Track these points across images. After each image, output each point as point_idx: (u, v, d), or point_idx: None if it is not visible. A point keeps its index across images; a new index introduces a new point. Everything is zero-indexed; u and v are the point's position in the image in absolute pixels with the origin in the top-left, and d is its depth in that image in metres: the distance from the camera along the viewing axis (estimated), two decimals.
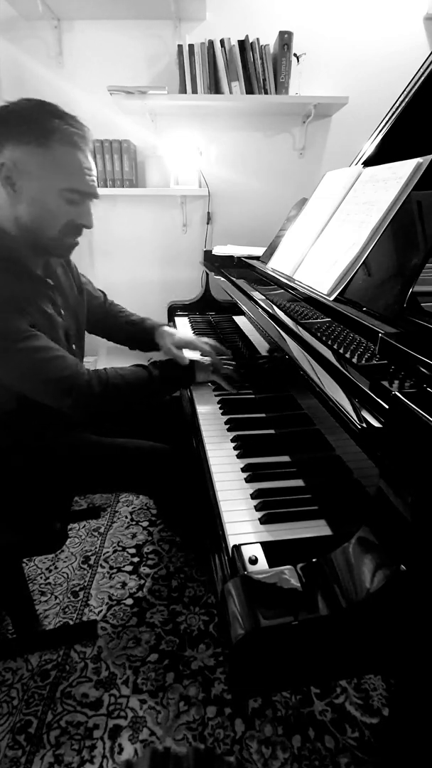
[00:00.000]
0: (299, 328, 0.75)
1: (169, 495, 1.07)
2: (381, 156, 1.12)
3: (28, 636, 1.09)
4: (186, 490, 1.02)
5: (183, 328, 1.54)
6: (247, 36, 1.66)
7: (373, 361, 0.56)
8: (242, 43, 1.66)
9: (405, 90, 1.10)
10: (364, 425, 0.46)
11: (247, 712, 0.96)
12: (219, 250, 1.66)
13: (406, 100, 1.08)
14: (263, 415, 0.91)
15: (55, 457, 0.96)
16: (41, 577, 1.31)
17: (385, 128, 1.13)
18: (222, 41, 1.66)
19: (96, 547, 1.43)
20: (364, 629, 0.43)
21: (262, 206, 2.06)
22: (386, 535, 0.42)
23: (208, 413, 0.94)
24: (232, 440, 0.83)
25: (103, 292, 1.21)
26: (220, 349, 1.09)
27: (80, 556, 1.39)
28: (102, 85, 1.73)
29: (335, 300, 0.79)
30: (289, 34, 1.66)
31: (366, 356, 0.59)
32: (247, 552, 0.54)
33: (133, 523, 1.54)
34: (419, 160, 0.77)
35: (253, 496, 0.66)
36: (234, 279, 1.27)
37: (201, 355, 1.05)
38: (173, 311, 1.71)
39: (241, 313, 1.04)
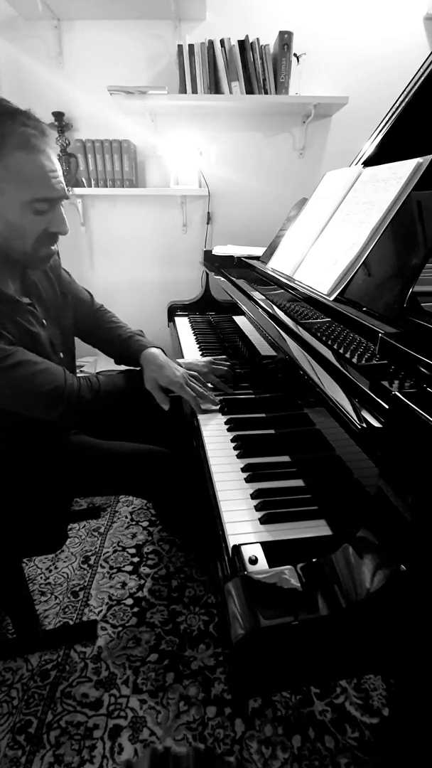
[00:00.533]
0: (299, 328, 0.75)
1: (168, 498, 1.06)
2: (381, 156, 1.12)
3: (28, 636, 1.09)
4: (185, 492, 1.02)
5: (183, 328, 1.54)
6: (247, 36, 1.66)
7: (373, 361, 0.56)
8: (242, 43, 1.66)
9: (405, 90, 1.10)
10: (364, 425, 0.46)
11: (247, 712, 0.96)
12: (219, 250, 1.66)
13: (406, 100, 1.08)
14: (263, 415, 0.91)
15: (55, 459, 0.96)
16: (41, 577, 1.31)
17: (385, 128, 1.13)
18: (222, 41, 1.66)
19: (96, 547, 1.43)
20: (364, 629, 0.43)
21: (262, 206, 2.06)
22: (386, 535, 0.42)
23: (207, 413, 0.93)
24: (232, 440, 0.83)
25: (89, 293, 1.14)
26: (218, 371, 1.02)
27: (80, 556, 1.39)
28: (102, 85, 1.73)
29: (335, 300, 0.79)
30: (289, 34, 1.66)
31: (366, 356, 0.59)
32: (247, 552, 0.54)
33: (133, 523, 1.54)
34: (419, 160, 0.77)
35: (253, 496, 0.66)
36: (234, 279, 1.27)
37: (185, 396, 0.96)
38: (173, 311, 1.71)
39: (241, 313, 1.04)
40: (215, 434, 0.85)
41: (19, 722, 0.94)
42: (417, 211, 0.72)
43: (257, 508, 0.64)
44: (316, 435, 0.63)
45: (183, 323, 1.60)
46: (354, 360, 0.58)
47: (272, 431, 0.85)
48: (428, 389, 0.44)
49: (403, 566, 0.39)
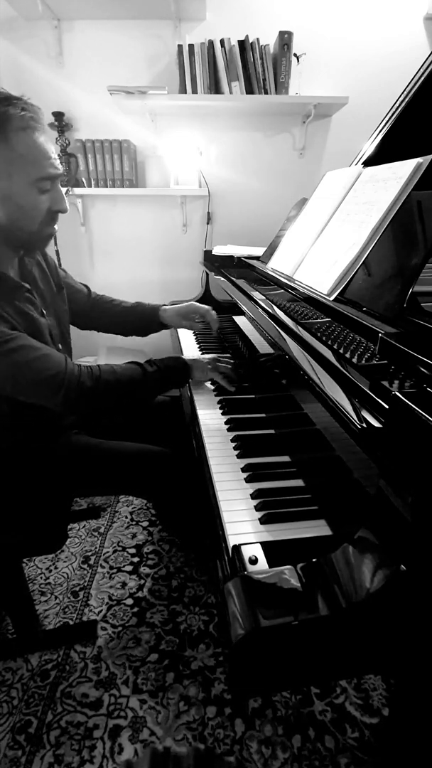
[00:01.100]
0: (299, 328, 0.75)
1: (168, 498, 1.07)
2: (381, 156, 1.12)
3: (28, 636, 1.09)
4: (185, 493, 1.02)
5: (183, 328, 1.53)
6: (247, 36, 1.66)
7: (373, 361, 0.56)
8: (242, 43, 1.66)
9: (405, 90, 1.10)
10: (364, 425, 0.46)
11: (247, 712, 0.96)
12: (219, 250, 1.66)
13: (406, 100, 1.08)
14: (263, 415, 0.91)
15: (55, 459, 0.96)
16: (41, 577, 1.31)
17: (385, 128, 1.13)
18: (222, 41, 1.66)
19: (96, 547, 1.43)
20: (364, 629, 0.43)
21: (262, 206, 2.06)
22: (386, 535, 0.42)
23: (208, 413, 0.93)
24: (232, 440, 0.83)
25: (86, 286, 1.18)
26: (221, 368, 1.04)
27: (80, 556, 1.39)
28: (102, 85, 1.73)
29: (335, 300, 0.79)
30: (289, 34, 1.66)
31: (366, 356, 0.59)
32: (247, 552, 0.54)
33: (133, 523, 1.54)
34: (419, 160, 0.77)
35: (253, 496, 0.66)
36: (234, 279, 1.27)
37: (197, 321, 1.07)
38: None
39: (241, 313, 1.04)
40: (215, 434, 0.85)
41: (19, 722, 0.94)
42: (417, 211, 0.72)
43: (257, 508, 0.64)
44: (316, 435, 0.63)
45: None
46: (354, 360, 0.58)
47: (272, 431, 0.85)
48: (428, 389, 0.44)
49: (403, 566, 0.39)
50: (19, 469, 0.94)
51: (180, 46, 1.66)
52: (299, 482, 0.70)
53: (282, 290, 1.01)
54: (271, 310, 0.88)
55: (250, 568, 0.52)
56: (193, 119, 1.93)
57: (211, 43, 1.66)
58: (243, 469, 0.73)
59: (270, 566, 0.51)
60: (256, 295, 1.03)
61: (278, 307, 0.90)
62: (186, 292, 2.02)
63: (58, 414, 0.89)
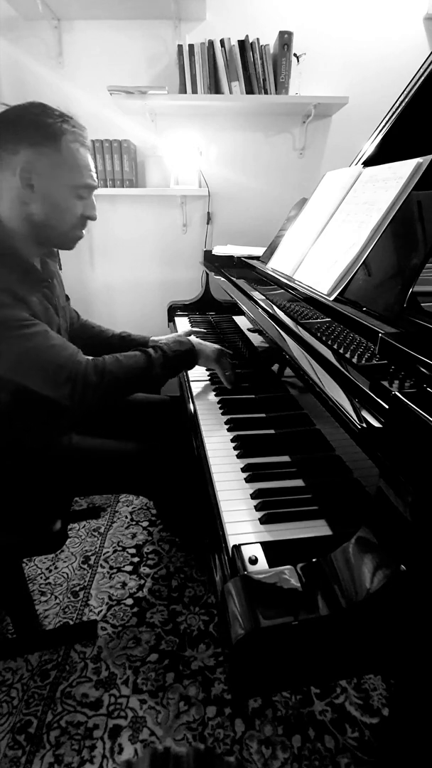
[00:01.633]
0: (299, 328, 0.75)
1: (169, 496, 1.07)
2: (381, 156, 1.12)
3: (28, 636, 1.09)
4: (185, 491, 1.02)
5: (183, 328, 1.54)
6: (247, 36, 1.66)
7: (373, 361, 0.56)
8: (242, 43, 1.66)
9: (405, 90, 1.10)
10: (364, 425, 0.46)
11: (247, 712, 0.96)
12: (219, 250, 1.66)
13: (406, 100, 1.08)
14: (263, 415, 0.91)
15: (55, 457, 0.96)
16: (41, 577, 1.31)
17: (385, 128, 1.13)
18: (222, 41, 1.66)
19: (96, 547, 1.43)
20: (364, 629, 0.43)
21: (262, 206, 2.06)
22: (386, 535, 0.42)
23: (208, 413, 0.93)
24: (232, 440, 0.83)
25: (76, 312, 1.25)
26: (224, 365, 1.05)
27: (80, 556, 1.39)
28: (102, 85, 1.73)
29: (335, 300, 0.79)
30: (289, 34, 1.66)
31: (366, 356, 0.59)
32: (247, 552, 0.54)
33: (133, 523, 1.54)
34: (419, 160, 0.77)
35: (253, 496, 0.66)
36: (234, 279, 1.27)
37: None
38: (173, 311, 1.71)
39: (241, 313, 1.04)
40: (215, 434, 0.85)
41: (19, 722, 0.94)
42: (417, 211, 0.72)
43: (257, 508, 0.64)
44: (316, 435, 0.63)
45: (183, 323, 1.60)
46: (354, 360, 0.58)
47: (272, 431, 0.85)
48: (428, 389, 0.44)
49: (403, 566, 0.39)
50: (19, 468, 0.93)
51: (180, 46, 1.67)
52: (299, 482, 0.70)
53: (282, 290, 1.01)
54: (271, 310, 0.88)
55: (250, 568, 0.52)
56: (193, 119, 1.93)
57: (211, 43, 1.66)
58: (243, 469, 0.73)
59: (270, 566, 0.51)
60: (256, 295, 1.03)
61: (278, 307, 0.90)
62: (186, 292, 2.03)
63: (60, 412, 0.89)
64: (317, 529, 0.60)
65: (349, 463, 0.55)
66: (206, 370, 1.14)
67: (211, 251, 1.67)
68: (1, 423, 0.91)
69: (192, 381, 1.10)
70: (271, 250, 1.31)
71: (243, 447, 0.80)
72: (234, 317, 1.23)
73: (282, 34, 1.66)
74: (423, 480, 0.38)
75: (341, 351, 0.62)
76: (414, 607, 0.42)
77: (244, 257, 1.52)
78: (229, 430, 0.86)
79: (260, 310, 0.92)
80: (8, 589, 1.02)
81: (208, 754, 0.88)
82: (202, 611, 1.19)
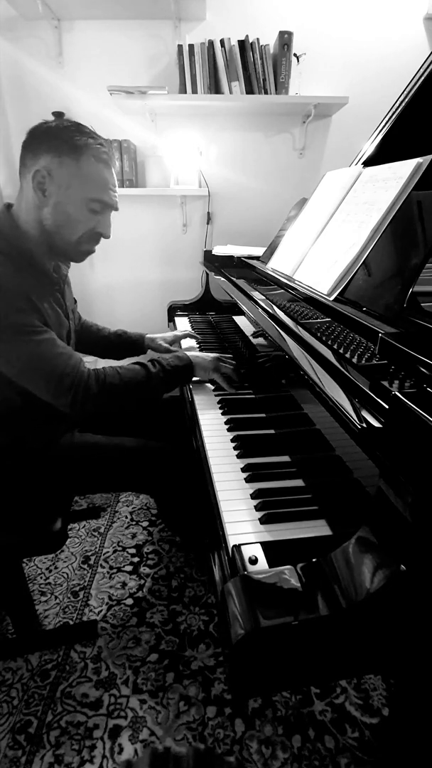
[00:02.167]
0: (299, 328, 0.75)
1: (170, 494, 1.07)
2: (381, 156, 1.12)
3: (28, 636, 1.09)
4: (186, 489, 1.02)
5: (183, 328, 1.54)
6: (247, 36, 1.66)
7: (373, 361, 0.56)
8: (242, 43, 1.66)
9: (405, 90, 1.10)
10: (364, 425, 0.46)
11: (247, 712, 0.96)
12: (219, 250, 1.66)
13: (406, 100, 1.08)
14: (263, 415, 0.91)
15: (55, 456, 0.96)
16: (41, 577, 1.31)
17: (385, 128, 1.13)
18: (222, 41, 1.66)
19: (96, 547, 1.43)
20: (364, 629, 0.43)
21: (262, 206, 2.06)
22: (386, 535, 0.42)
23: (208, 413, 0.93)
24: (232, 440, 0.83)
25: (79, 313, 1.26)
26: (223, 368, 1.04)
27: (80, 556, 1.39)
28: (102, 85, 1.73)
29: (335, 300, 0.79)
30: (289, 34, 1.66)
31: (366, 356, 0.59)
32: (247, 552, 0.54)
33: (133, 523, 1.54)
34: (419, 160, 0.77)
35: (253, 496, 0.66)
36: (234, 279, 1.27)
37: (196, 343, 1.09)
38: (173, 311, 1.71)
39: (241, 313, 1.04)
40: (215, 434, 0.85)
41: (19, 722, 0.94)
42: (417, 211, 0.72)
43: (257, 508, 0.64)
44: (316, 435, 0.63)
45: (183, 323, 1.60)
46: (354, 360, 0.58)
47: (272, 431, 0.85)
48: (428, 389, 0.44)
49: (403, 566, 0.39)
50: (19, 467, 0.94)
51: (180, 46, 1.66)
52: (299, 482, 0.70)
53: (282, 290, 1.01)
54: (271, 310, 0.88)
55: (250, 568, 0.52)
56: (193, 119, 1.93)
57: (211, 43, 1.66)
58: (243, 469, 0.73)
59: (270, 566, 0.51)
60: (256, 295, 1.03)
61: (278, 307, 0.90)
62: (186, 292, 2.03)
63: (63, 415, 0.91)
64: (317, 529, 0.60)
65: (349, 463, 0.55)
66: None
67: (211, 251, 1.67)
68: (6, 421, 0.91)
69: (192, 380, 1.10)
70: (271, 250, 1.31)
71: (243, 447, 0.80)
72: (234, 317, 1.23)
73: (282, 34, 1.66)
74: (423, 480, 0.38)
75: (341, 351, 0.62)
76: (414, 607, 0.42)
77: (244, 257, 1.52)
78: (229, 430, 0.86)
79: (260, 310, 0.92)
80: (8, 589, 1.02)
81: (208, 754, 0.88)
82: (202, 611, 1.19)
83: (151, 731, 0.92)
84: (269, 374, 0.88)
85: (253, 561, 0.52)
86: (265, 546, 0.55)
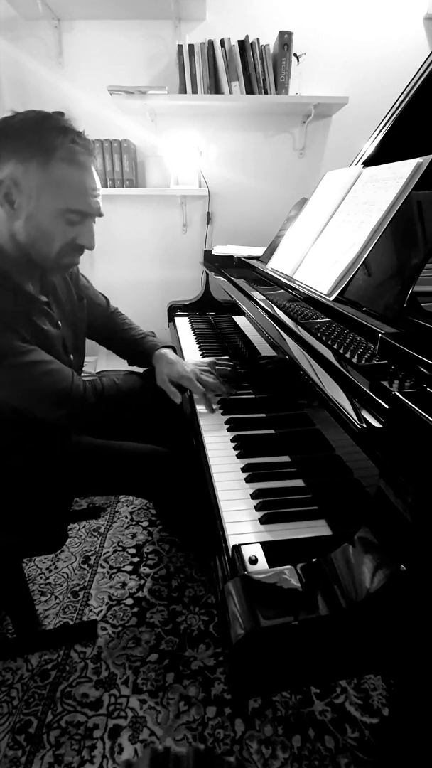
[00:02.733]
0: (299, 328, 0.75)
1: (168, 498, 1.06)
2: (381, 156, 1.12)
3: (28, 636, 1.09)
4: (185, 492, 1.02)
5: (183, 328, 1.54)
6: (247, 36, 1.66)
7: (373, 361, 0.56)
8: (242, 43, 1.66)
9: (405, 90, 1.10)
10: (364, 425, 0.46)
11: (247, 712, 0.96)
12: (219, 250, 1.66)
13: (406, 100, 1.08)
14: (263, 415, 0.91)
15: (54, 459, 0.96)
16: (41, 577, 1.31)
17: (385, 128, 1.13)
18: (222, 41, 1.66)
19: (96, 547, 1.43)
20: (364, 629, 0.43)
21: (262, 206, 2.06)
22: (386, 535, 0.42)
23: (207, 414, 0.93)
24: (232, 440, 0.83)
25: (105, 298, 1.17)
26: (223, 372, 1.02)
27: (80, 556, 1.39)
28: (102, 85, 1.73)
29: (335, 300, 0.79)
30: (289, 34, 1.66)
31: (366, 356, 0.59)
32: (247, 552, 0.54)
33: (133, 523, 1.54)
34: (419, 160, 0.77)
35: (253, 496, 0.66)
36: (234, 279, 1.27)
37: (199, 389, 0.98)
38: (173, 311, 1.71)
39: (241, 313, 1.04)
40: (215, 434, 0.85)
41: (19, 722, 0.94)
42: (417, 211, 0.72)
43: (257, 508, 0.64)
44: (316, 435, 0.63)
45: (183, 323, 1.60)
46: (354, 360, 0.58)
47: (272, 431, 0.85)
48: (428, 389, 0.44)
49: (403, 566, 0.39)
50: (20, 468, 0.93)
51: (180, 46, 1.67)
52: (299, 482, 0.70)
53: (282, 290, 1.01)
54: (271, 310, 0.88)
55: (250, 568, 0.52)
56: (193, 119, 1.93)
57: (211, 43, 1.66)
58: (243, 469, 0.73)
59: (270, 566, 0.51)
60: (256, 295, 1.03)
61: (278, 307, 0.90)
62: (186, 292, 2.02)
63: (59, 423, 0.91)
64: (317, 529, 0.60)
65: (349, 463, 0.55)
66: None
67: (211, 251, 1.67)
68: (6, 424, 0.91)
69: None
70: (271, 250, 1.31)
71: (243, 447, 0.80)
72: (234, 317, 1.23)
73: (282, 34, 1.66)
74: (423, 480, 0.38)
75: (341, 351, 0.62)
76: (414, 608, 0.42)
77: (244, 257, 1.52)
78: (229, 430, 0.86)
79: (260, 310, 0.92)
80: (8, 589, 1.02)
81: (208, 754, 0.88)
82: (202, 611, 1.19)
83: (151, 731, 0.92)
84: (269, 374, 0.88)
85: (253, 561, 0.52)
86: (265, 546, 0.55)
